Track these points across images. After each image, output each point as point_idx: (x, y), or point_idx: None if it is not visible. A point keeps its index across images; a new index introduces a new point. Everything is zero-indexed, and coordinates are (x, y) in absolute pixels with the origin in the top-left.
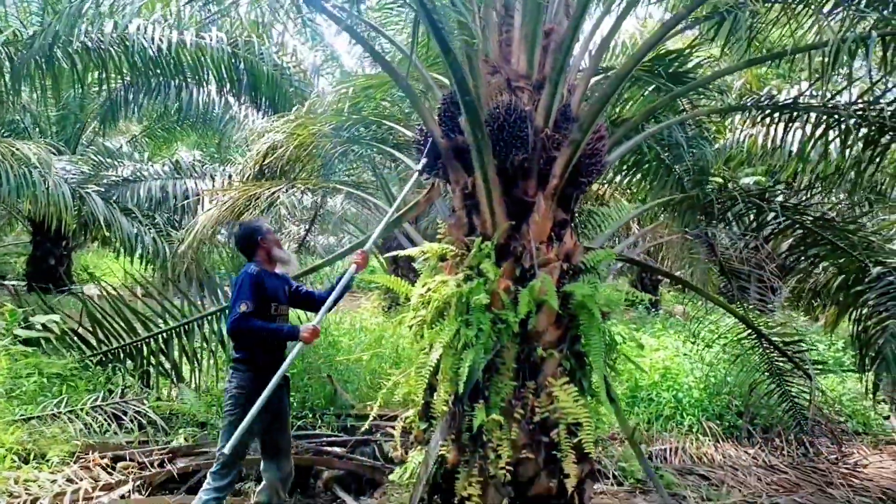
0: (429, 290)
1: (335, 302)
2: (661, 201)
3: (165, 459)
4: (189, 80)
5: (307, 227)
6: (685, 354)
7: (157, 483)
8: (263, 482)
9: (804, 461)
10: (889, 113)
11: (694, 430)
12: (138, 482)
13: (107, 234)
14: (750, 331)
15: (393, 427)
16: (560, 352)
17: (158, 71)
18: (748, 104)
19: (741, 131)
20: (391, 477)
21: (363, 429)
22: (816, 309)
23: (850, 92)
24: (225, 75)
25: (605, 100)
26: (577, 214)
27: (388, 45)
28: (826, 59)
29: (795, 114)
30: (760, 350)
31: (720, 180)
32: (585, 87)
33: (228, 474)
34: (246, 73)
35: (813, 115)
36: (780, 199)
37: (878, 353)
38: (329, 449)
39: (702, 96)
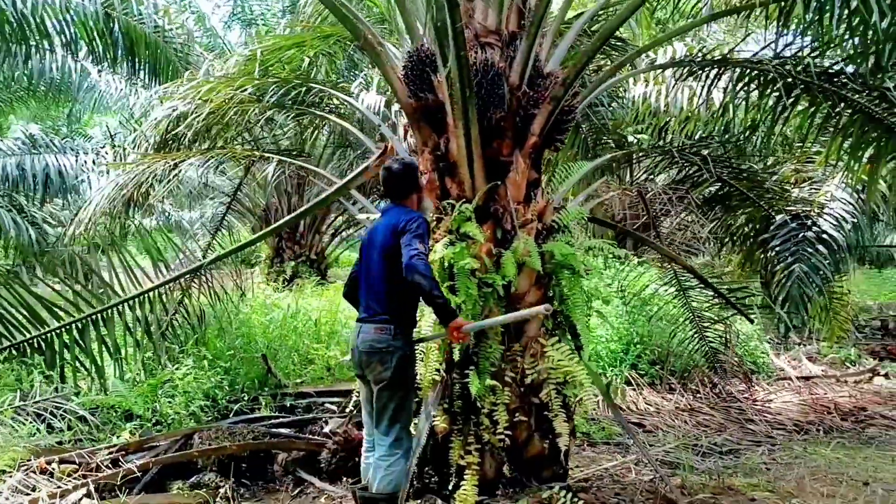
0: None
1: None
2: (606, 157)
3: (120, 458)
4: (53, 44)
5: (228, 201)
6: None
7: (110, 484)
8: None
9: (719, 402)
10: (801, 69)
11: (618, 380)
12: (93, 485)
13: None
14: (673, 280)
15: (337, 403)
16: None
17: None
18: (685, 60)
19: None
20: None
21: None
22: (729, 256)
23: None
24: (97, 39)
25: (591, 56)
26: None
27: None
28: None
29: (723, 69)
30: (683, 299)
31: (638, 139)
32: (550, 44)
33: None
34: (122, 36)
35: (738, 69)
36: (706, 153)
37: (787, 295)
38: (278, 431)
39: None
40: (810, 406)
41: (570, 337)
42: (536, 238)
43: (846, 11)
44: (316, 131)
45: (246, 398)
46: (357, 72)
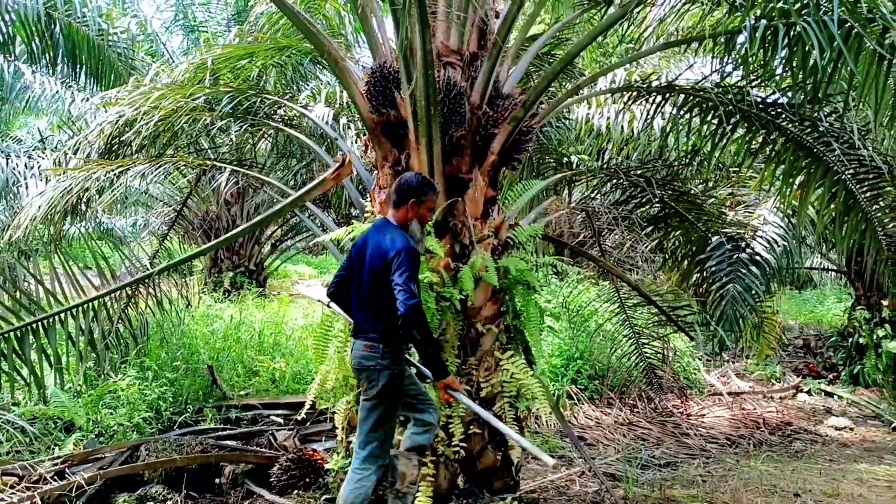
0: None
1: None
2: (557, 177)
3: (65, 470)
4: None
5: (178, 208)
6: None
7: (55, 497)
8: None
9: (656, 416)
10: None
11: (559, 395)
12: (38, 497)
13: None
14: (615, 297)
15: (283, 416)
16: (497, 326)
17: None
18: (634, 85)
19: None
20: (328, 465)
21: (300, 415)
22: (667, 275)
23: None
24: (36, 39)
25: (552, 78)
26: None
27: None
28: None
29: (668, 95)
30: (623, 315)
31: (579, 159)
32: (510, 66)
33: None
34: (63, 37)
35: (682, 96)
36: (648, 175)
37: (722, 314)
38: (225, 443)
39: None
40: (740, 421)
41: (522, 351)
42: (492, 253)
43: (785, 45)
44: (260, 141)
45: (190, 410)
46: (305, 83)
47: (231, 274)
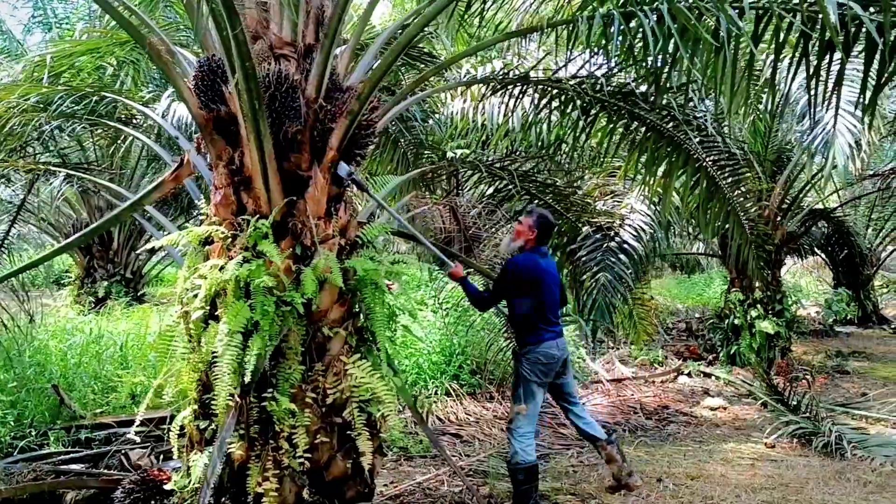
0: (202, 276)
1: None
2: (416, 172)
3: None
4: None
5: (11, 218)
6: (425, 320)
7: None
8: None
9: None
10: (598, 88)
11: (439, 392)
12: None
13: None
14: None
15: (142, 433)
16: (345, 329)
17: None
18: (489, 77)
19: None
20: (169, 485)
21: (129, 435)
22: None
23: (565, 71)
24: None
25: (385, 70)
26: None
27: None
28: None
29: (525, 87)
30: (496, 311)
31: (450, 153)
32: (350, 57)
33: None
34: None
35: (539, 87)
36: (512, 168)
37: (594, 303)
38: (68, 468)
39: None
40: (617, 407)
41: (376, 353)
42: (340, 254)
43: (627, 37)
44: (128, 143)
45: (34, 433)
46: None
47: (106, 283)
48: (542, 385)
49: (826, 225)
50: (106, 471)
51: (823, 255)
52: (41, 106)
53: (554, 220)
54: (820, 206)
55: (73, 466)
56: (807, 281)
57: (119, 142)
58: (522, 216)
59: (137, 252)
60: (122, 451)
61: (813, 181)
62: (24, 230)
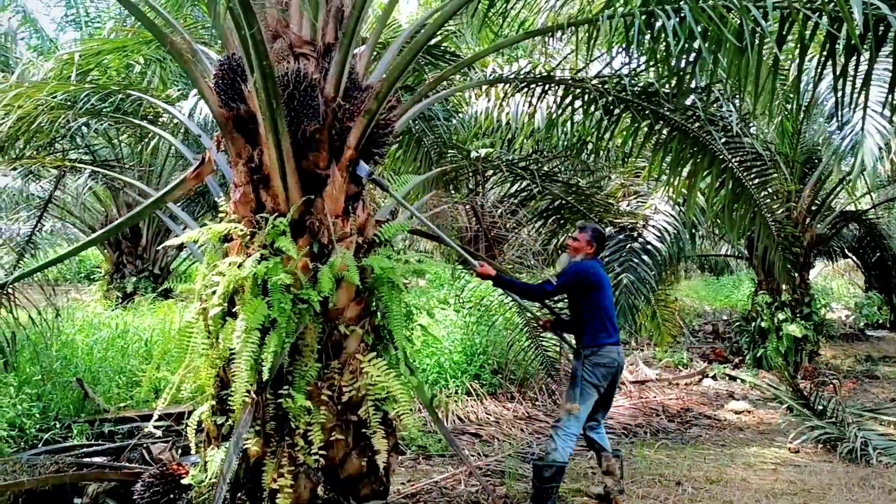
0: (220, 273)
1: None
2: (436, 171)
3: None
4: None
5: (38, 214)
6: (447, 319)
7: None
8: None
9: (556, 410)
10: (621, 87)
11: (459, 391)
12: None
13: None
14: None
15: (164, 427)
16: (362, 327)
17: None
18: (511, 76)
19: (477, 106)
20: (185, 480)
21: (149, 429)
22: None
23: (587, 70)
24: None
25: (403, 69)
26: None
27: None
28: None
29: (547, 86)
30: (518, 310)
31: (473, 152)
32: (370, 56)
33: None
34: None
35: (562, 87)
36: (534, 167)
37: (617, 304)
38: (90, 460)
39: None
40: (640, 409)
41: (393, 351)
42: (357, 252)
43: (649, 36)
44: (155, 140)
45: (58, 426)
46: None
47: (134, 279)
48: (598, 388)
49: (858, 227)
50: (127, 464)
51: (854, 258)
52: (68, 103)
53: (605, 232)
54: (851, 207)
55: (96, 459)
56: (838, 284)
57: (146, 139)
58: (576, 232)
59: (163, 248)
60: (144, 445)
61: (843, 183)
62: (58, 226)
